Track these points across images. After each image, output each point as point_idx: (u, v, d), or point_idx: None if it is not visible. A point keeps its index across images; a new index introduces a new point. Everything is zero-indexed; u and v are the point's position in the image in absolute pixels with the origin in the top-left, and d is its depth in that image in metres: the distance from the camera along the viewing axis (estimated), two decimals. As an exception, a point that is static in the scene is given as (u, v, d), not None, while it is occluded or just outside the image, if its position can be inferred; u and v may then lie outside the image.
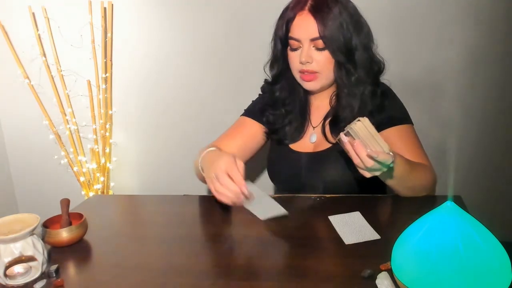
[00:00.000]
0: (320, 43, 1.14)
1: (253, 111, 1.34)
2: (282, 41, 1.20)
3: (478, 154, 1.87)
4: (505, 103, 1.82)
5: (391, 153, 0.95)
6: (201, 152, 1.19)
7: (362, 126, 0.94)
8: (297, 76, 1.21)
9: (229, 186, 0.94)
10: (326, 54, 1.15)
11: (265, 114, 1.31)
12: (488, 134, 1.86)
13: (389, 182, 1.08)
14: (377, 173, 0.97)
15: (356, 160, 0.95)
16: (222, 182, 0.95)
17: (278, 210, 1.03)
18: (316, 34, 1.13)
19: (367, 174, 0.97)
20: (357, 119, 0.96)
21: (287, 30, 1.17)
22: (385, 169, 0.96)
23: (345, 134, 0.97)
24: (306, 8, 1.14)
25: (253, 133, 1.33)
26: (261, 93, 1.37)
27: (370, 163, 0.93)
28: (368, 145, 0.94)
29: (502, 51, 1.76)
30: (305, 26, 1.14)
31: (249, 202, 0.98)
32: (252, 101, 1.38)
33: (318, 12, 1.13)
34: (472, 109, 1.83)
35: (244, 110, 1.38)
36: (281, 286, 0.80)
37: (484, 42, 1.75)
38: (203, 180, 1.15)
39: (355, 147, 0.94)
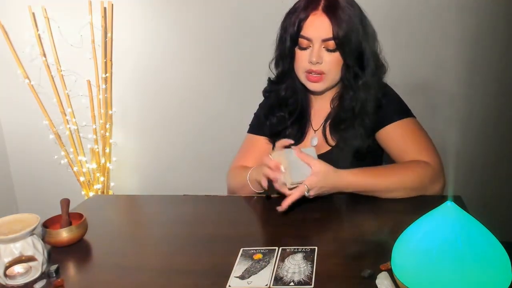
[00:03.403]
0: (331, 44, 1.13)
1: (258, 126, 1.34)
2: (292, 38, 1.17)
3: (479, 154, 1.88)
4: (505, 102, 1.82)
5: (304, 184, 1.03)
6: (239, 173, 1.28)
7: (278, 156, 1.05)
8: (302, 76, 1.20)
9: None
10: (336, 55, 1.14)
11: (269, 117, 1.30)
12: (488, 134, 1.86)
13: (360, 193, 1.12)
14: (310, 196, 1.05)
15: None
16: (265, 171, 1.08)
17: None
18: (329, 35, 1.12)
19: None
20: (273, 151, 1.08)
21: (299, 28, 1.15)
22: (308, 195, 1.04)
23: None
24: (320, 8, 1.13)
25: (263, 150, 1.32)
26: (263, 99, 1.36)
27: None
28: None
29: (503, 50, 1.76)
30: (318, 26, 1.12)
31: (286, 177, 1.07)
32: (254, 114, 1.38)
33: (332, 12, 1.12)
34: (472, 109, 1.84)
35: (249, 125, 1.38)
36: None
37: (485, 41, 1.75)
38: (240, 191, 1.27)
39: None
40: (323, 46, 1.14)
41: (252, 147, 1.35)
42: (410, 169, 1.12)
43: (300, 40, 1.16)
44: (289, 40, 1.18)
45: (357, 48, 1.14)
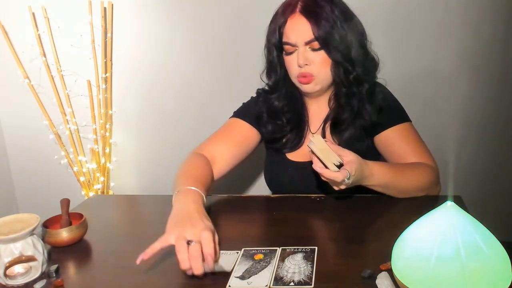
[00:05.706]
0: (315, 44, 1.11)
1: (245, 113, 1.29)
2: (277, 47, 1.17)
3: (478, 154, 1.88)
4: (505, 102, 1.82)
5: (345, 169, 0.95)
6: (188, 167, 1.14)
7: (314, 145, 0.97)
8: (295, 80, 1.18)
9: (198, 266, 0.82)
10: (322, 54, 1.13)
11: (263, 123, 1.26)
12: (488, 133, 1.86)
13: (375, 189, 1.09)
14: (342, 187, 0.98)
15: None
16: (193, 255, 0.82)
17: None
18: (311, 36, 1.10)
19: (335, 188, 0.99)
20: (311, 136, 0.99)
21: (280, 35, 1.14)
22: (347, 182, 0.96)
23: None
24: (297, 10, 1.11)
25: (245, 136, 1.27)
26: (255, 95, 1.33)
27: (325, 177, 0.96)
28: (323, 162, 0.96)
29: (502, 50, 1.76)
30: (299, 29, 1.11)
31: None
32: (243, 103, 1.34)
33: (310, 12, 1.10)
34: (472, 108, 1.84)
35: (234, 112, 1.32)
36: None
37: (485, 40, 1.75)
38: None
39: (313, 165, 0.96)
40: (308, 47, 1.12)
41: (232, 128, 1.27)
42: (421, 170, 1.12)
43: (285, 46, 1.15)
44: (274, 49, 1.18)
45: (342, 43, 1.12)
